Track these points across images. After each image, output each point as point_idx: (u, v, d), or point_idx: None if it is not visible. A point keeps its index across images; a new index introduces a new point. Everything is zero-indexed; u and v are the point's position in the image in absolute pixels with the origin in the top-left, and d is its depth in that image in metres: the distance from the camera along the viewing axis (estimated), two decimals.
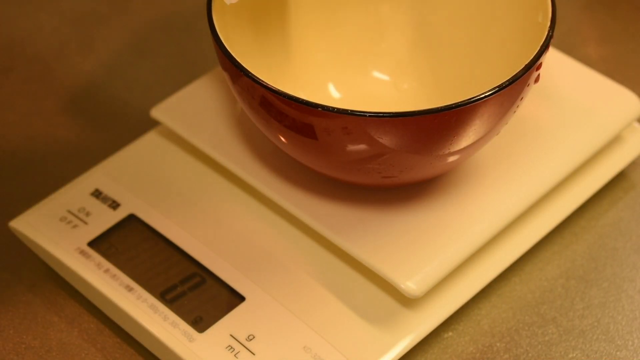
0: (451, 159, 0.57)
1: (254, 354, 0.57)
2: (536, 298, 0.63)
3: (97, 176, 0.65)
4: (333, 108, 0.53)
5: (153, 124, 0.69)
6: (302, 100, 0.53)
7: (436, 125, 0.54)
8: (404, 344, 0.58)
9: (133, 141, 0.67)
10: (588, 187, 0.66)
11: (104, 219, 0.63)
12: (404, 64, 0.67)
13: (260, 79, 0.54)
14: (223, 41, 0.57)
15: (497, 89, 0.54)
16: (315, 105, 0.53)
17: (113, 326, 0.62)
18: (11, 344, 0.61)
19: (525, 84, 0.56)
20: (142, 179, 0.65)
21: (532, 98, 0.65)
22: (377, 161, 0.56)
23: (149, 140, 0.67)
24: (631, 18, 0.80)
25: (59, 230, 0.63)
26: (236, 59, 0.56)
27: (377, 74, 0.68)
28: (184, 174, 0.65)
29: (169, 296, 0.60)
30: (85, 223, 0.63)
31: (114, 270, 0.61)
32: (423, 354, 0.60)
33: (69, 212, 0.63)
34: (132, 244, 0.62)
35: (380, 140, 0.54)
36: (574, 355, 0.60)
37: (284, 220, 0.63)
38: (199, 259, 0.61)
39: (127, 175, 0.65)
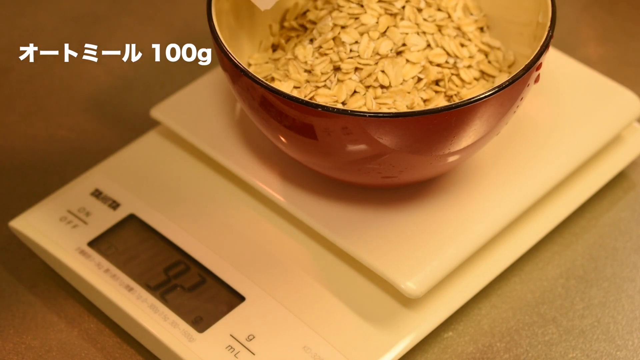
0: (451, 159, 0.57)
1: (254, 354, 0.57)
2: (536, 298, 0.63)
3: (97, 176, 0.65)
4: (333, 108, 0.53)
5: (153, 124, 0.69)
6: (302, 100, 0.53)
7: (436, 125, 0.54)
8: (404, 344, 0.58)
9: (133, 141, 0.67)
10: (588, 187, 0.66)
11: (104, 219, 0.63)
12: None
13: (260, 79, 0.54)
14: (223, 41, 0.57)
15: (497, 89, 0.54)
16: (315, 106, 0.53)
17: (113, 326, 0.62)
18: (11, 344, 0.61)
19: (525, 84, 0.56)
20: (142, 179, 0.65)
21: (532, 98, 0.65)
22: (377, 161, 0.56)
23: (149, 140, 0.67)
24: (631, 18, 0.80)
25: (59, 230, 0.63)
26: (236, 59, 0.56)
27: None
28: (184, 174, 0.65)
29: (169, 296, 0.60)
30: (85, 223, 0.63)
31: (114, 270, 0.61)
32: (423, 354, 0.60)
33: (69, 212, 0.63)
34: (132, 244, 0.62)
35: (380, 140, 0.54)
36: (574, 355, 0.60)
37: (284, 220, 0.63)
38: (199, 259, 0.61)
39: (127, 175, 0.65)
